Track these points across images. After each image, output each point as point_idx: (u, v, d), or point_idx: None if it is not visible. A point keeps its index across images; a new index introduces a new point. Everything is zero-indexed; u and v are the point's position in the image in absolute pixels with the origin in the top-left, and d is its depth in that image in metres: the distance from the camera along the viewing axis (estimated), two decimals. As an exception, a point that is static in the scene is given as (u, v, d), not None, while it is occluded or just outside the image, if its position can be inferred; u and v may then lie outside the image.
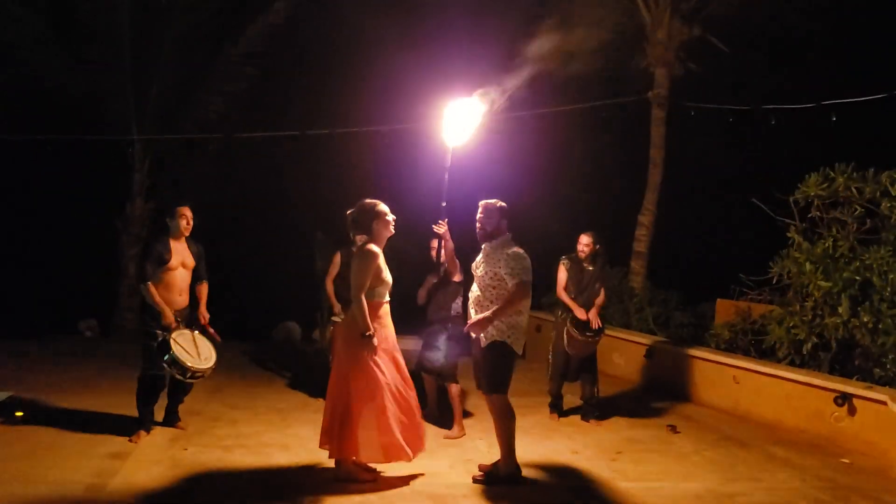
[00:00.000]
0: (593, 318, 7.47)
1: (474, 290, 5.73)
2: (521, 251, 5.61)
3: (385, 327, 5.48)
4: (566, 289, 7.65)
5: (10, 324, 11.94)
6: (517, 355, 5.64)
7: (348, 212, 5.59)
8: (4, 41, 12.13)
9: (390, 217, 5.53)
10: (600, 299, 7.69)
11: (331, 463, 5.52)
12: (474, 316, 5.60)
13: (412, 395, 5.53)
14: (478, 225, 5.75)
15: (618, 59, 12.92)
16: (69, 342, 11.86)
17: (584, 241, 7.65)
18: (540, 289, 8.59)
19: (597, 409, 7.76)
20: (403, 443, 5.35)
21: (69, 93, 12.66)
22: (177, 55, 12.81)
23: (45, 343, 11.33)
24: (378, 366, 5.34)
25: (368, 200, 5.53)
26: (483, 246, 5.79)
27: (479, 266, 5.77)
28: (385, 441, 5.31)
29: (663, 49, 12.27)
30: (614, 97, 12.95)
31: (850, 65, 13.11)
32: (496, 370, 5.60)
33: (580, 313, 7.45)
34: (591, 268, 7.66)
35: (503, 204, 5.76)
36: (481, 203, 5.78)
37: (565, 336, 7.51)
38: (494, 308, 5.50)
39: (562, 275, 7.69)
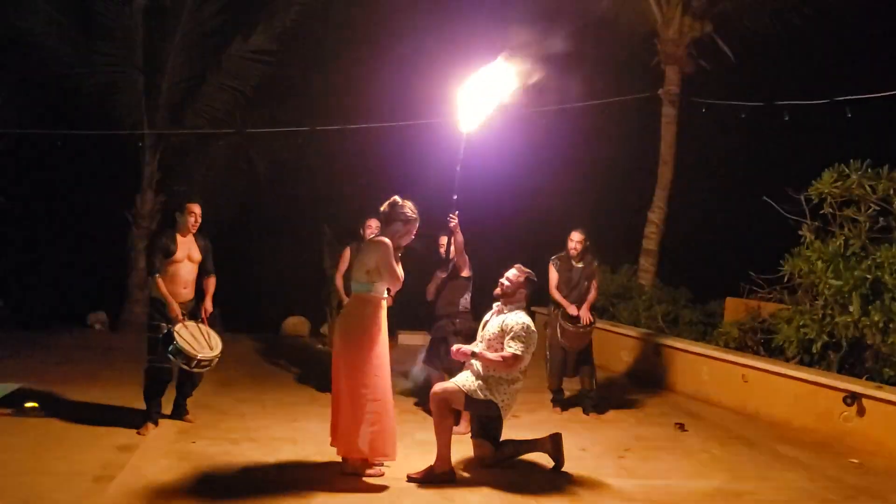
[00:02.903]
0: (584, 314, 7.62)
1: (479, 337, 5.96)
2: (531, 325, 5.75)
3: (382, 323, 5.49)
4: (558, 287, 7.80)
5: (21, 316, 12.01)
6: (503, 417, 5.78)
7: (396, 198, 5.56)
8: (19, 28, 12.18)
9: (413, 231, 5.56)
10: (592, 295, 7.83)
11: (338, 458, 5.53)
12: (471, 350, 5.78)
13: (387, 399, 5.52)
14: (503, 282, 5.92)
15: (629, 55, 12.88)
16: (78, 335, 11.91)
17: (576, 238, 7.77)
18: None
19: (596, 402, 7.83)
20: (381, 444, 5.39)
21: (81, 85, 12.69)
22: (188, 49, 12.83)
23: (54, 336, 11.39)
24: (376, 361, 5.36)
25: (412, 208, 5.54)
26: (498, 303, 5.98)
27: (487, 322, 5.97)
28: (386, 436, 5.34)
29: (674, 46, 12.20)
30: (625, 94, 12.89)
31: (865, 60, 13.00)
32: (487, 426, 5.82)
33: (572, 310, 7.61)
34: (579, 265, 7.73)
35: (532, 276, 5.96)
36: (516, 266, 5.98)
37: (559, 329, 7.65)
38: (484, 353, 5.68)
39: (552, 275, 7.86)
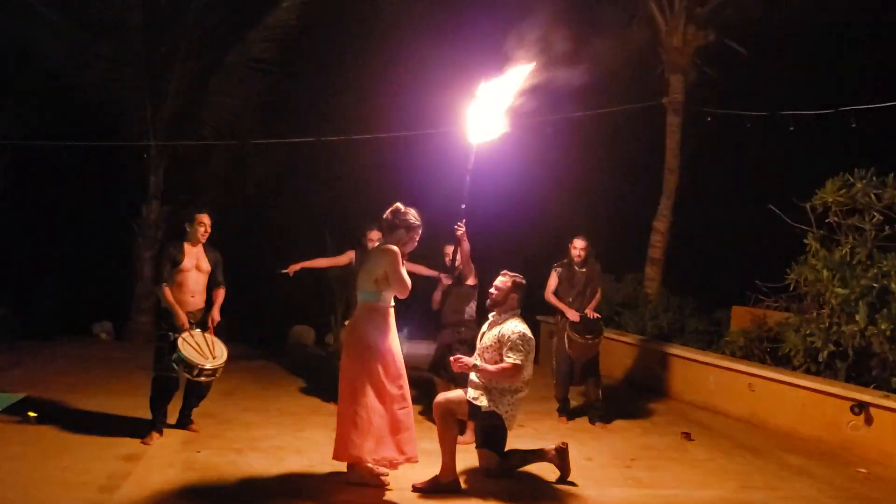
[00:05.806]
0: (590, 311, 7.67)
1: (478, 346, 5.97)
2: (527, 332, 5.74)
3: (391, 331, 5.49)
4: (558, 294, 7.84)
5: (26, 326, 12.01)
6: (506, 428, 5.77)
7: (398, 205, 5.56)
8: (25, 40, 12.25)
9: (416, 237, 5.57)
10: (596, 299, 7.88)
11: (343, 467, 5.51)
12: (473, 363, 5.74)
13: (410, 403, 5.53)
14: (492, 291, 5.94)
15: (634, 64, 12.88)
16: (84, 345, 11.92)
17: (579, 245, 7.81)
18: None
19: (602, 412, 7.82)
20: (406, 447, 5.38)
21: (86, 96, 12.74)
22: (192, 58, 12.86)
23: (59, 345, 11.39)
24: (383, 370, 5.36)
25: (415, 214, 5.55)
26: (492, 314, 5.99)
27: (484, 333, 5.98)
28: (391, 445, 5.34)
29: (678, 55, 12.21)
30: (630, 103, 12.89)
31: (869, 69, 12.99)
32: (491, 436, 5.76)
33: (572, 314, 7.62)
34: (582, 270, 7.77)
35: (519, 279, 5.92)
36: (502, 273, 5.99)
37: (566, 340, 7.65)
38: (484, 366, 5.66)
39: (552, 281, 7.89)
